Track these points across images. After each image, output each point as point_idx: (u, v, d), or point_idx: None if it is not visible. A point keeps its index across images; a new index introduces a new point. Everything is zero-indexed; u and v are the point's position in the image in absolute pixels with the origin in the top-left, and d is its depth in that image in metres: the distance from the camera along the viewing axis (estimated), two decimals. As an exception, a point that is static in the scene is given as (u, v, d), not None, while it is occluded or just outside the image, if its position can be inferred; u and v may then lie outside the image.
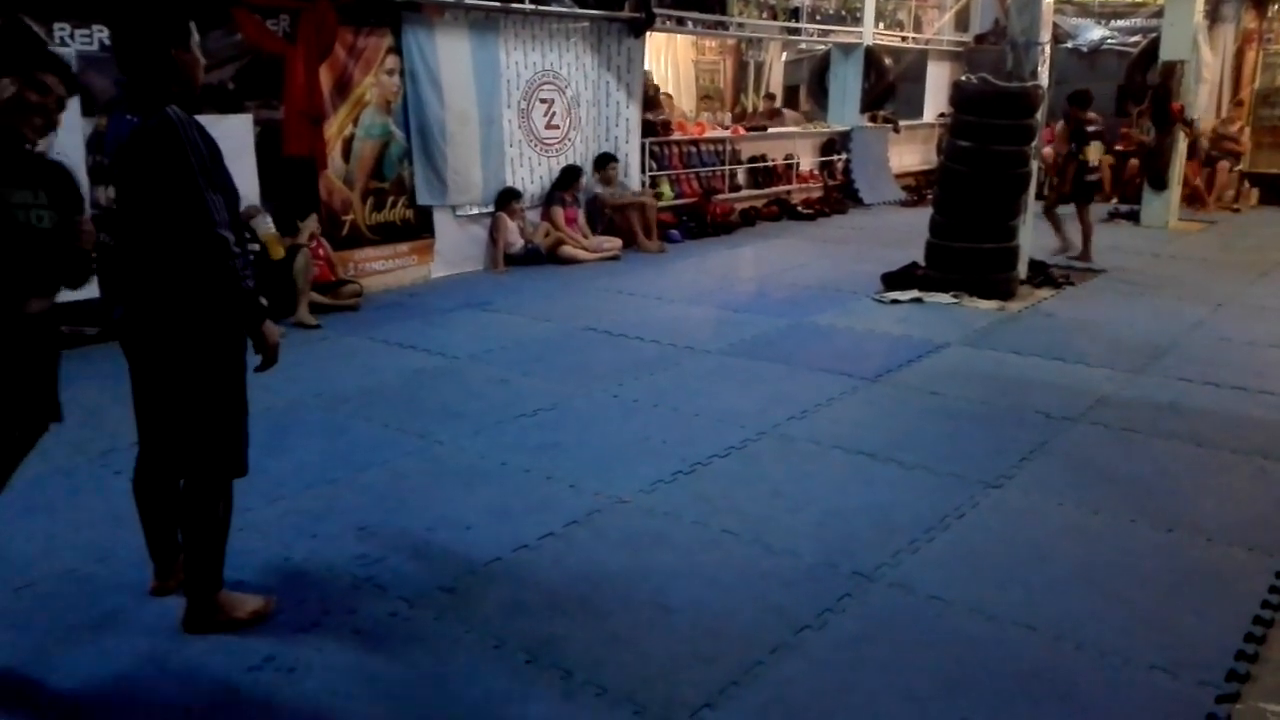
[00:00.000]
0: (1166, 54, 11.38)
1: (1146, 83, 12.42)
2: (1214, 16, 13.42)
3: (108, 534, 3.64)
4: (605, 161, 9.80)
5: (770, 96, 15.33)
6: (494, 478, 4.31)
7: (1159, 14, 12.57)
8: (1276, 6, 14.85)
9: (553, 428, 4.91)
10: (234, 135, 6.48)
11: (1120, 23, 15.05)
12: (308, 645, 2.99)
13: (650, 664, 2.92)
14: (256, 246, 6.64)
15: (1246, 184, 13.77)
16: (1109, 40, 14.91)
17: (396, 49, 7.95)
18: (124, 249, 2.89)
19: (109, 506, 3.83)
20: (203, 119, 2.91)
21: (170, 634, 3.03)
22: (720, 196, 11.58)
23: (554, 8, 9.20)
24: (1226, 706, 2.76)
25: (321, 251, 7.29)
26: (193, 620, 3.03)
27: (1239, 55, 14.70)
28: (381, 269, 8.14)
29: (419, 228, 8.40)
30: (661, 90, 13.85)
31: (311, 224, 7.20)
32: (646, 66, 11.16)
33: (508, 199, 8.89)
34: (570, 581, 3.40)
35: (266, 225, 6.80)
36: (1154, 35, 12.61)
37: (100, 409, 4.97)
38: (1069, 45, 14.78)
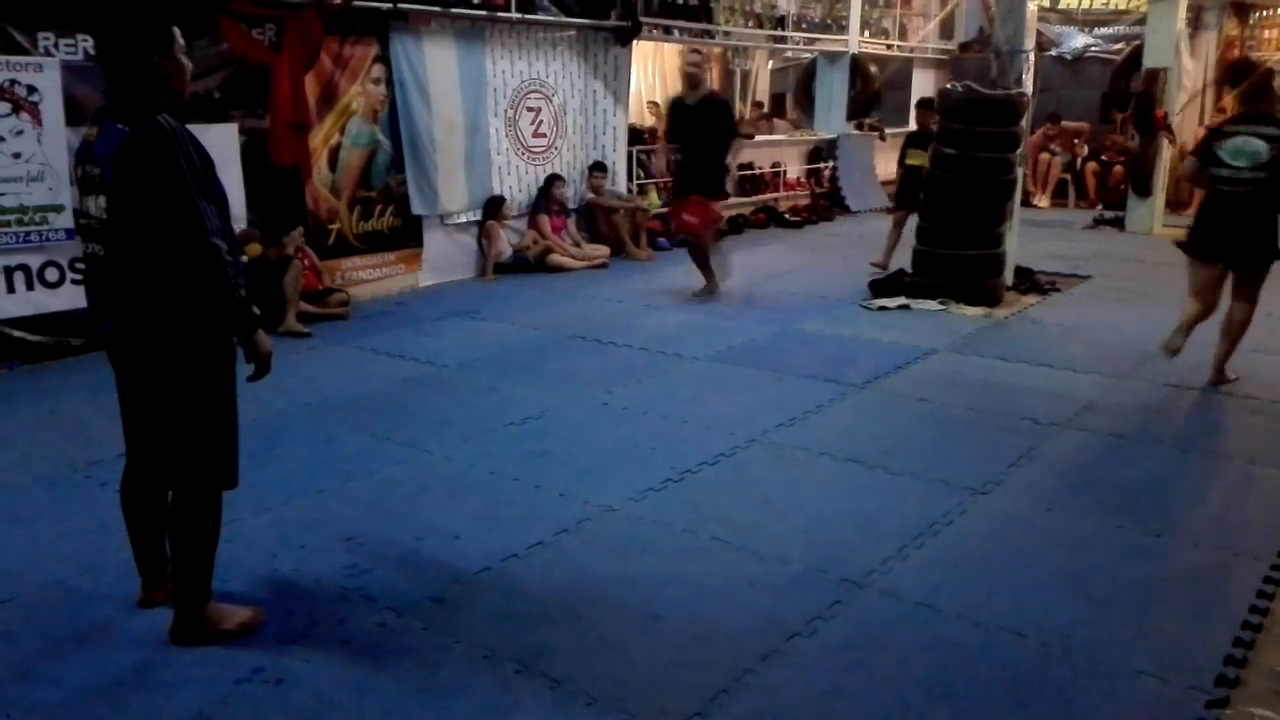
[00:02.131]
0: (1149, 61, 11.47)
1: (1130, 90, 12.51)
2: (1196, 24, 13.53)
3: (94, 545, 3.61)
4: (593, 170, 9.91)
5: (757, 105, 15.38)
6: (483, 486, 4.29)
7: (1142, 21, 12.67)
8: (1258, 14, 14.97)
9: (541, 436, 4.90)
10: (219, 145, 6.42)
11: (1104, 30, 15.15)
12: (296, 656, 2.97)
13: (640, 672, 2.92)
14: (245, 257, 6.64)
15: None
16: (1093, 48, 15.00)
17: (383, 58, 7.95)
18: (114, 260, 2.87)
19: (95, 518, 3.81)
20: (188, 128, 2.91)
21: (158, 646, 3.01)
22: (708, 204, 11.58)
23: (540, 16, 9.21)
24: (1216, 712, 2.77)
25: (307, 261, 7.27)
26: (180, 632, 3.01)
27: (1221, 63, 14.81)
28: (369, 278, 8.12)
29: (406, 236, 8.39)
30: (648, 99, 13.90)
31: (296, 238, 7.18)
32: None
33: (497, 207, 8.89)
34: (559, 590, 3.40)
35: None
36: (1137, 43, 12.69)
37: (86, 420, 4.96)
38: (1053, 53, 14.88)
